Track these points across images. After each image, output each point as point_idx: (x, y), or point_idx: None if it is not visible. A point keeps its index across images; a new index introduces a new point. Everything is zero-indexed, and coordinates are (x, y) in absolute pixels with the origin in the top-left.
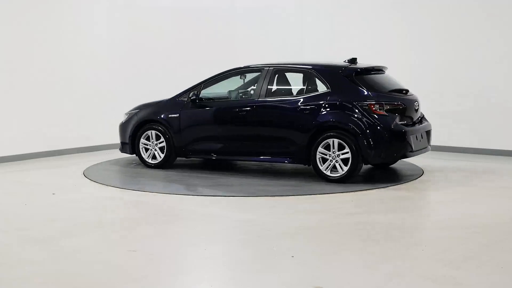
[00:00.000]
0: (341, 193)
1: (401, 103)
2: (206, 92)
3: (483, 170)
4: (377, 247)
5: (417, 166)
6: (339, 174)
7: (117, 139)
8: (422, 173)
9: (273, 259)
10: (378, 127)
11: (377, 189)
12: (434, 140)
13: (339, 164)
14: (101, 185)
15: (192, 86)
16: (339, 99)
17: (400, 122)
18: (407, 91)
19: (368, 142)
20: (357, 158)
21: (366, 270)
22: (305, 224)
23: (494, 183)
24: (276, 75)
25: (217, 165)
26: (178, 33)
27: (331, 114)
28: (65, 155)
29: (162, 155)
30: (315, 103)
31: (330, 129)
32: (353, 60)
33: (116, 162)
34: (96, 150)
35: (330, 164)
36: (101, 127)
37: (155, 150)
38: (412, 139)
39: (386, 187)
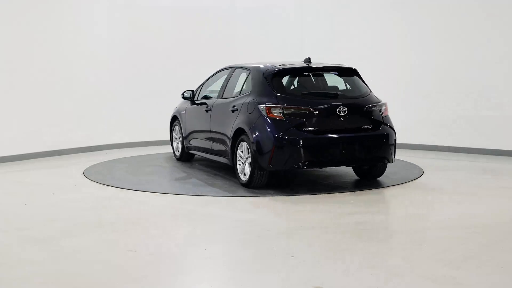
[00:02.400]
0: (341, 193)
1: (307, 108)
2: (204, 91)
3: (483, 170)
4: (377, 247)
5: (417, 166)
6: (244, 179)
7: (117, 139)
8: (422, 173)
9: (273, 259)
10: (269, 132)
11: (377, 189)
12: (435, 140)
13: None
14: (101, 185)
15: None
16: (249, 101)
17: (305, 129)
18: (336, 95)
19: (258, 146)
20: (254, 163)
21: (366, 270)
22: (305, 224)
23: (494, 183)
24: (233, 75)
25: (218, 165)
26: (178, 33)
27: (242, 116)
28: (65, 155)
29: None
30: (238, 104)
31: (243, 132)
32: (307, 60)
33: (116, 162)
34: (96, 150)
35: (243, 168)
36: (101, 127)
37: (178, 144)
38: (317, 148)
39: (386, 187)
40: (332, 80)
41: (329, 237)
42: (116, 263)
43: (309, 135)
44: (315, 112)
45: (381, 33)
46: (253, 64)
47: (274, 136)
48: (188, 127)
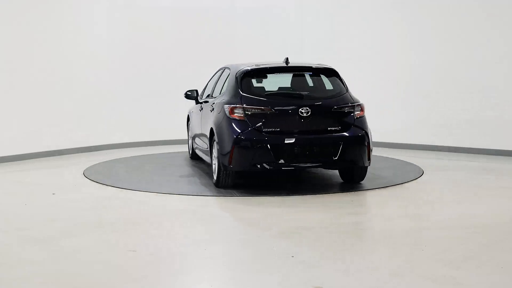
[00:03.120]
0: (341, 193)
1: (268, 108)
2: (207, 91)
3: (483, 170)
4: (377, 247)
5: (417, 166)
6: (214, 179)
7: (117, 139)
8: (422, 173)
9: (273, 259)
10: (230, 132)
11: (377, 189)
12: (435, 140)
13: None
14: (101, 185)
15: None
16: (219, 101)
17: (266, 129)
18: (301, 95)
19: (221, 146)
20: (219, 163)
21: (366, 270)
22: (305, 224)
23: (494, 183)
24: (222, 75)
25: None
26: (178, 33)
27: (213, 116)
28: (65, 155)
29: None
30: (214, 104)
31: (213, 132)
32: (285, 60)
33: (116, 162)
34: (96, 150)
35: (215, 167)
36: (101, 127)
37: (189, 143)
38: (275, 150)
39: (386, 187)
40: (308, 80)
41: (329, 237)
42: (116, 263)
43: (268, 136)
44: (276, 113)
45: (381, 33)
46: (238, 63)
47: (233, 137)
48: (192, 126)
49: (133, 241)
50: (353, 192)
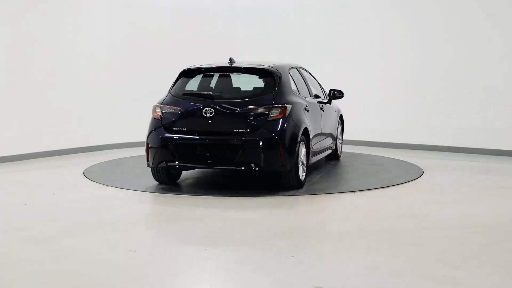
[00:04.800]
0: (341, 193)
1: (176, 108)
2: None
3: (483, 170)
4: (377, 246)
5: (417, 166)
6: None
7: (117, 139)
8: (422, 173)
9: (273, 259)
10: (148, 130)
11: (377, 189)
12: (435, 140)
13: None
14: (101, 185)
15: None
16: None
17: (175, 129)
18: (211, 96)
19: (146, 144)
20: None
21: (366, 270)
22: (305, 224)
23: (494, 183)
24: None
25: None
26: (178, 33)
27: None
28: (65, 155)
29: None
30: None
31: None
32: (229, 60)
33: (116, 162)
34: (96, 150)
35: None
36: (101, 127)
37: None
38: (178, 149)
39: (386, 187)
40: (242, 80)
41: (329, 237)
42: (116, 263)
43: (171, 135)
44: (184, 113)
45: (381, 33)
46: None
47: (147, 135)
48: None
49: (133, 241)
50: (353, 192)
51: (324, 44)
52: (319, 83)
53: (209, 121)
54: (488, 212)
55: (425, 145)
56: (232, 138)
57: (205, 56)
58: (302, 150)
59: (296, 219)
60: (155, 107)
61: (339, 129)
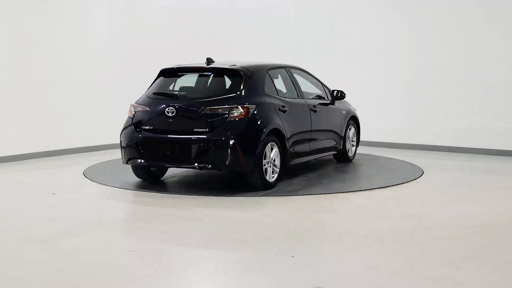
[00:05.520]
0: (341, 193)
1: (144, 107)
2: None
3: (483, 170)
4: (377, 246)
5: (417, 166)
6: None
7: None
8: (422, 173)
9: (273, 259)
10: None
11: (377, 189)
12: (435, 140)
13: None
14: (101, 185)
15: None
16: None
17: (143, 127)
18: (176, 96)
19: None
20: None
21: (366, 270)
22: (305, 224)
23: (494, 183)
24: None
25: None
26: (178, 33)
27: None
28: (65, 155)
29: None
30: None
31: None
32: (206, 60)
33: (116, 162)
34: (96, 150)
35: None
36: (101, 127)
37: None
38: (142, 147)
39: (386, 187)
40: (216, 81)
41: (329, 237)
42: (116, 263)
43: (137, 134)
44: (150, 112)
45: (381, 33)
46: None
47: (120, 133)
48: None
49: (133, 241)
50: (353, 192)
51: (324, 44)
52: (322, 84)
53: (171, 121)
54: (488, 212)
55: (425, 145)
56: (190, 138)
57: (205, 56)
58: (274, 151)
59: (297, 219)
60: (130, 106)
61: (351, 130)
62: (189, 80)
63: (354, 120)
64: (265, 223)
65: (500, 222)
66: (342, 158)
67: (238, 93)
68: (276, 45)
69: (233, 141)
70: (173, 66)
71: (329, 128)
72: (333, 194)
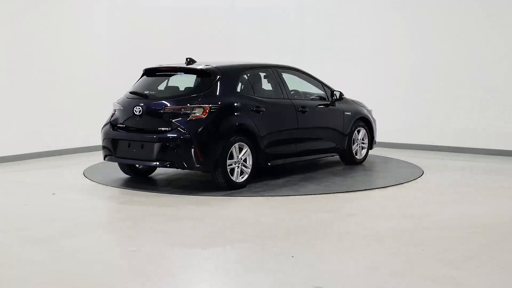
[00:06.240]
0: (341, 193)
1: (120, 106)
2: None
3: (483, 170)
4: (377, 246)
5: (417, 166)
6: None
7: None
8: (422, 173)
9: (273, 259)
10: None
11: (377, 189)
12: (435, 140)
13: None
14: (101, 185)
15: None
16: None
17: (118, 125)
18: (145, 95)
19: None
20: None
21: (366, 270)
22: (305, 224)
23: (494, 183)
24: None
25: None
26: (178, 33)
27: None
28: (65, 155)
29: None
30: None
31: None
32: (186, 60)
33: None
34: (96, 150)
35: None
36: (101, 127)
37: None
38: (113, 144)
39: (386, 187)
40: (190, 81)
41: (329, 237)
42: (116, 263)
43: (111, 131)
44: (123, 111)
45: (381, 33)
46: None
47: (101, 129)
48: None
49: (133, 241)
50: (353, 192)
51: (324, 44)
52: (323, 84)
53: (138, 120)
54: (488, 212)
55: (425, 145)
56: (152, 136)
57: (205, 56)
58: (244, 151)
59: (297, 219)
60: (113, 104)
61: (361, 132)
62: (166, 80)
63: (365, 122)
64: (265, 223)
65: (500, 222)
66: (349, 160)
67: (203, 93)
68: (276, 45)
69: (190, 140)
70: (153, 66)
71: (324, 129)
72: (333, 194)
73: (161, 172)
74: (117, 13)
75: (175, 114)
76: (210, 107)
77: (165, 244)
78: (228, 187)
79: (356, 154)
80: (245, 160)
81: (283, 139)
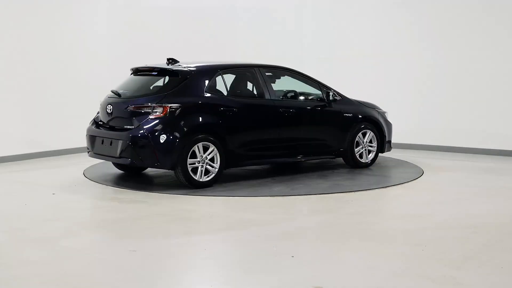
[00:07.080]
0: (341, 193)
1: (101, 104)
2: None
3: (483, 170)
4: (377, 246)
5: (417, 166)
6: None
7: None
8: (422, 173)
9: (273, 259)
10: None
11: (377, 189)
12: (435, 140)
13: None
14: (101, 185)
15: None
16: None
17: (98, 121)
18: (118, 94)
19: None
20: None
21: (366, 270)
22: (305, 224)
23: (494, 183)
24: None
25: None
26: (178, 33)
27: None
28: (65, 155)
29: None
30: None
31: None
32: (168, 60)
33: None
34: None
35: None
36: None
37: None
38: (91, 140)
39: (386, 187)
40: (157, 81)
41: (329, 237)
42: (116, 263)
43: (91, 128)
44: (102, 109)
45: (381, 33)
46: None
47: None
48: None
49: (133, 241)
50: (353, 192)
51: (324, 44)
52: (321, 85)
53: (109, 117)
54: (488, 212)
55: (425, 145)
56: (117, 134)
57: (205, 56)
58: (209, 150)
59: (297, 219)
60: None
61: (368, 135)
62: (150, 80)
63: (374, 124)
64: (265, 223)
65: (500, 222)
66: (352, 163)
67: (167, 92)
68: (276, 45)
69: (147, 138)
70: (136, 66)
71: (316, 131)
72: (333, 194)
73: (161, 171)
74: (117, 13)
75: (138, 113)
76: (170, 107)
77: (165, 244)
78: (190, 185)
79: (361, 158)
80: (212, 160)
81: (259, 140)
